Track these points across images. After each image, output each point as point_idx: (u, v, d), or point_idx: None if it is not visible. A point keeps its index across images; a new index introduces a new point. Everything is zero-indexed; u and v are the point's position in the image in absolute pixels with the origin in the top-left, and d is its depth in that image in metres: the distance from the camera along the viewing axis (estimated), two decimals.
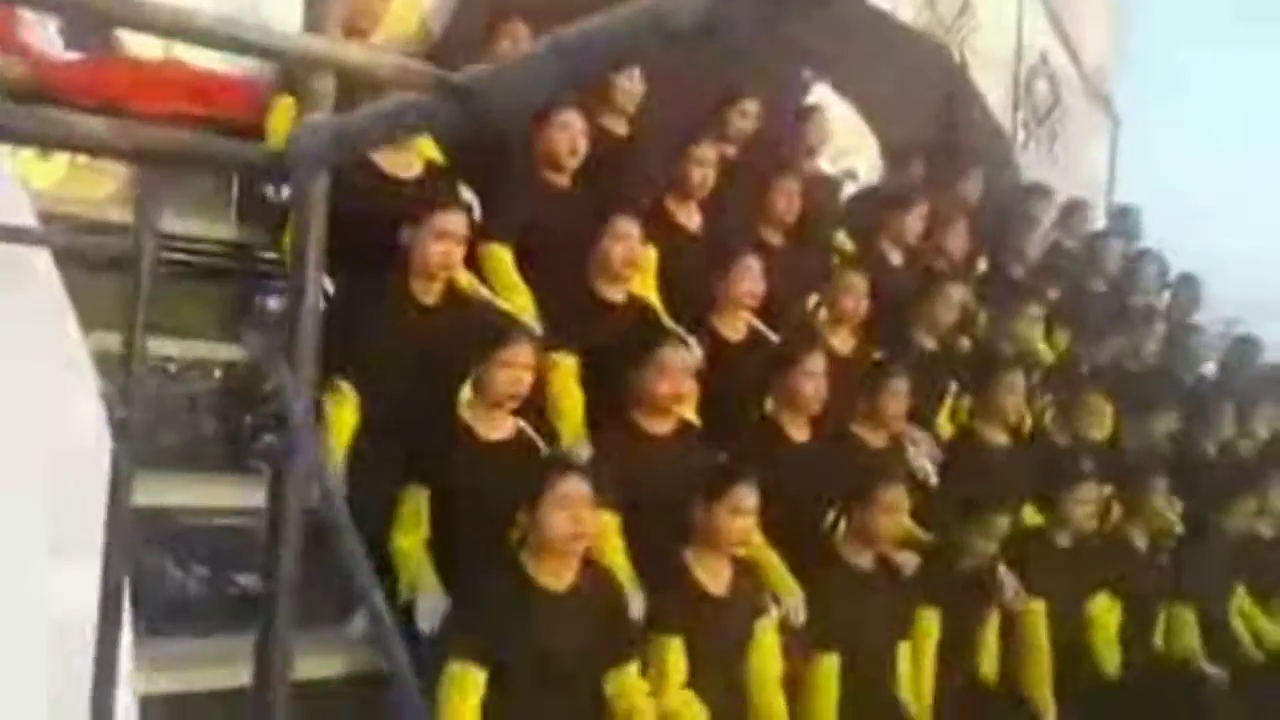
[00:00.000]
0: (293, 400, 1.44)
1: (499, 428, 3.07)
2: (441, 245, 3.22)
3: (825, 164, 5.35)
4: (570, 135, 3.87)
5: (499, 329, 3.15)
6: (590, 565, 2.79)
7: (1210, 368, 5.66)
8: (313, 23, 1.68)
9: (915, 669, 3.43)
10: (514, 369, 3.05)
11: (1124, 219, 6.13)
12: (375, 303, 3.16)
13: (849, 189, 5.51)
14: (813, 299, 4.37)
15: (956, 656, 3.54)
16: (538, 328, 3.51)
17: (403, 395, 3.02)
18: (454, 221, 3.25)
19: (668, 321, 3.76)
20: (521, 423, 3.13)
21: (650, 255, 3.99)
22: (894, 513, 3.32)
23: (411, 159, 3.60)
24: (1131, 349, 5.33)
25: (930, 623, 3.48)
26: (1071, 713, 3.67)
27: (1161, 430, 4.88)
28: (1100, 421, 4.89)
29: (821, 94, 5.62)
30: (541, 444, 3.12)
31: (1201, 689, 4.10)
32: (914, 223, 4.69)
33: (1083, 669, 3.90)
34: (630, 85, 4.40)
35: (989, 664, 3.67)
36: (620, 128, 4.44)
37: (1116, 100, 7.21)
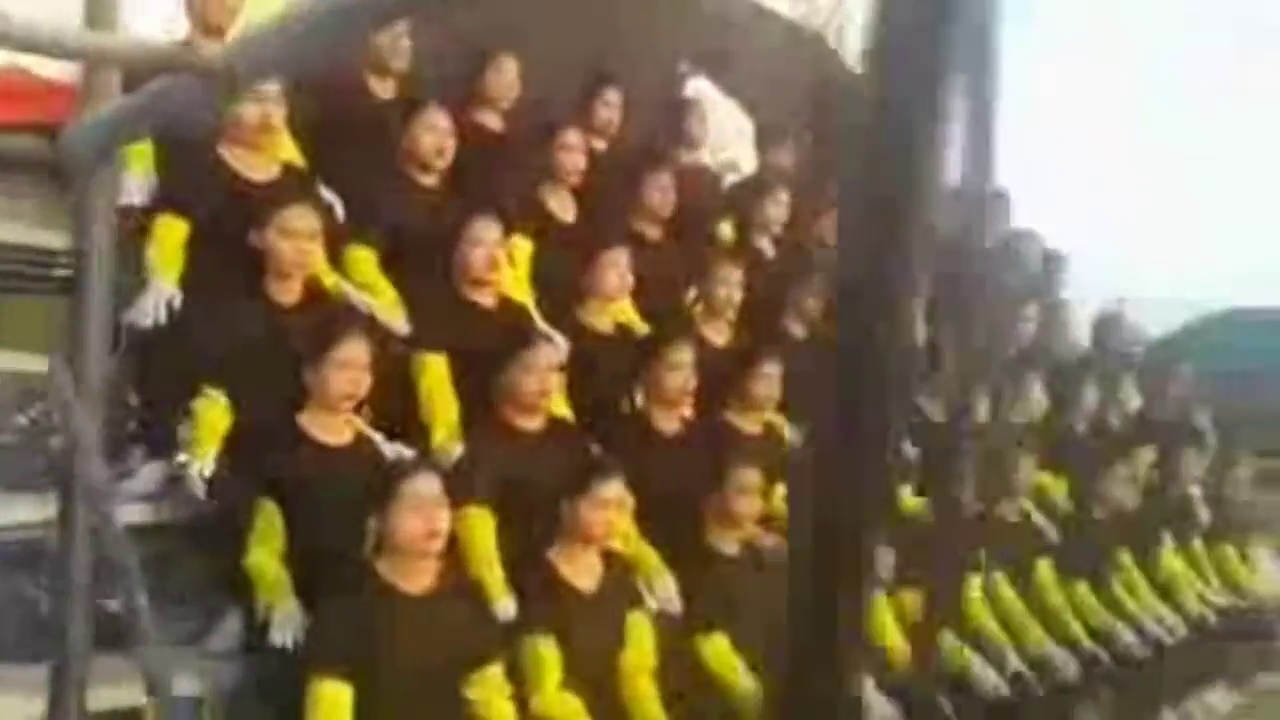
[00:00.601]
0: (75, 418, 1.40)
1: (338, 432, 2.97)
2: (290, 243, 3.15)
3: (706, 156, 5.36)
4: (437, 137, 3.82)
5: (334, 326, 3.03)
6: (450, 567, 2.74)
7: (1081, 345, 5.81)
8: (95, 16, 1.63)
9: None
10: (349, 370, 2.93)
11: (996, 203, 6.25)
12: (233, 306, 3.10)
13: (731, 180, 5.53)
14: (693, 292, 4.38)
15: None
16: (404, 328, 3.46)
17: (257, 400, 2.96)
18: (299, 218, 3.16)
19: (538, 320, 3.73)
20: (358, 421, 3.04)
21: (524, 248, 3.97)
22: (748, 494, 3.33)
23: (269, 162, 3.53)
24: (1007, 327, 5.44)
25: None
26: None
27: (1035, 406, 5.00)
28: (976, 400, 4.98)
29: (700, 87, 5.63)
30: (382, 444, 3.05)
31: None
32: (776, 210, 4.71)
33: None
34: (505, 80, 4.36)
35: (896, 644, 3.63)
36: (494, 123, 4.40)
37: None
